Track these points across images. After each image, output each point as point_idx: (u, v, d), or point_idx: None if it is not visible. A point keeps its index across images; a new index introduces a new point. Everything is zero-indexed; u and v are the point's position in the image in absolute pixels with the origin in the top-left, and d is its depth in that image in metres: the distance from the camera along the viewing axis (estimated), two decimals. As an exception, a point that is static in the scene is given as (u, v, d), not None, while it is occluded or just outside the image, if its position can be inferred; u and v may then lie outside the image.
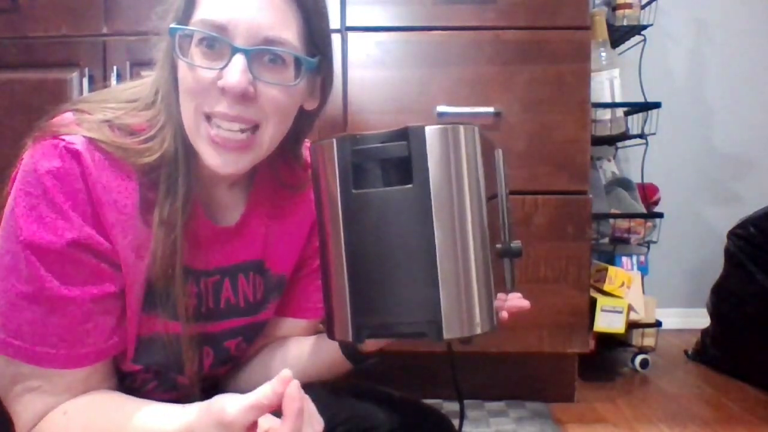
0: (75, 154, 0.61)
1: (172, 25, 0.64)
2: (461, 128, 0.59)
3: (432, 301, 0.56)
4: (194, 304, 0.71)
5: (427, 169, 0.56)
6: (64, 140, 0.61)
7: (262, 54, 0.63)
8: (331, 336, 0.62)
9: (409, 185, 0.57)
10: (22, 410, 0.63)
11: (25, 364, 0.61)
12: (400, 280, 0.57)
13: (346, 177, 0.58)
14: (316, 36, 0.67)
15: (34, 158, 0.61)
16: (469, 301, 0.58)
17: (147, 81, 0.70)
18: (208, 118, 0.63)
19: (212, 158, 0.65)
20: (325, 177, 0.60)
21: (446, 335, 0.57)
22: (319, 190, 0.61)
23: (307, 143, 0.83)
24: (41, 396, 0.62)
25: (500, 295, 0.67)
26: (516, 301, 0.71)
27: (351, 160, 0.58)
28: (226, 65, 0.61)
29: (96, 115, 0.64)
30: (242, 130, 0.64)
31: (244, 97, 0.62)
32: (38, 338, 0.60)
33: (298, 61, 0.65)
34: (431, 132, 0.57)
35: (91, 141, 0.62)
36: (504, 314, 0.69)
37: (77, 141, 0.61)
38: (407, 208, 0.57)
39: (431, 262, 0.56)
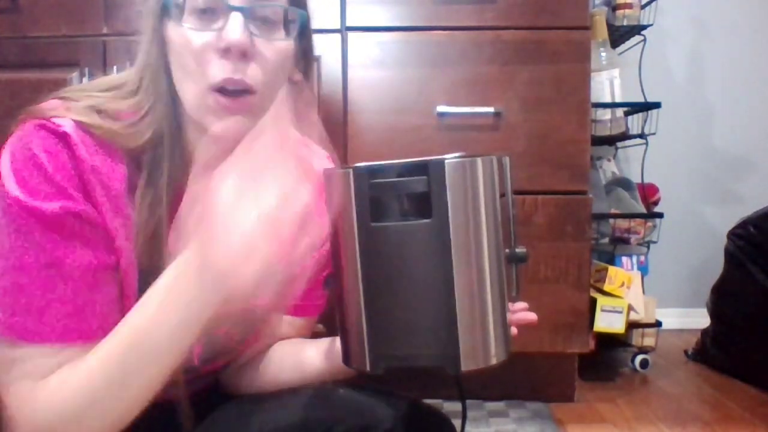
0: (63, 136, 0.61)
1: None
2: (479, 161, 0.58)
3: (449, 334, 0.57)
4: None
5: (446, 204, 0.56)
6: (52, 123, 0.61)
7: (255, 12, 0.64)
8: (347, 364, 0.63)
9: (428, 219, 0.57)
10: (17, 398, 0.59)
11: (21, 344, 0.58)
12: (418, 313, 0.57)
13: (364, 210, 0.57)
14: None
15: (23, 137, 0.60)
16: (485, 333, 0.59)
17: (130, 71, 0.70)
18: (213, 90, 0.64)
19: (221, 126, 0.64)
20: (341, 207, 0.59)
21: (464, 368, 0.57)
22: (335, 219, 0.61)
23: (306, 142, 0.83)
24: (36, 380, 0.59)
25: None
26: (523, 314, 0.73)
27: (368, 193, 0.57)
28: (224, 25, 0.62)
29: (82, 102, 0.64)
30: (242, 91, 0.64)
31: (245, 55, 0.63)
32: (34, 310, 0.58)
33: (286, 20, 0.67)
34: (450, 166, 0.57)
35: (79, 124, 0.62)
36: (514, 330, 0.70)
37: (65, 123, 0.61)
38: (426, 242, 0.57)
39: (449, 296, 0.57)
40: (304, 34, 0.71)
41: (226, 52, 0.62)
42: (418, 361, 0.58)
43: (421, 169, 0.57)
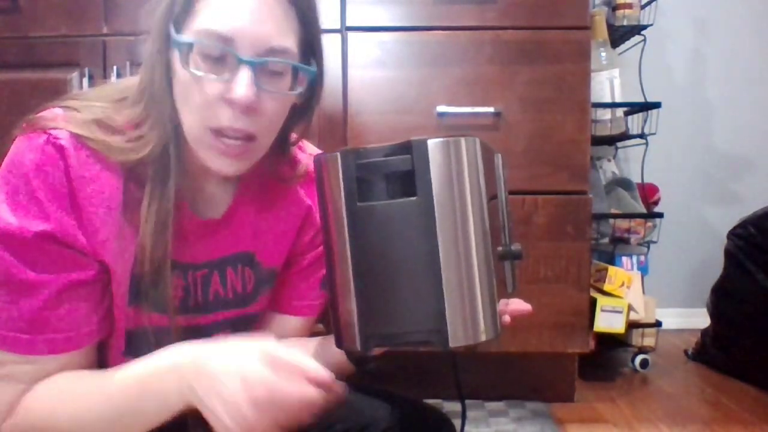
0: (60, 149, 0.61)
1: (176, 36, 0.64)
2: (462, 141, 0.60)
3: (437, 310, 0.58)
4: (181, 297, 0.72)
5: (430, 182, 0.58)
6: (50, 134, 0.62)
7: (265, 65, 0.64)
8: (339, 345, 0.63)
9: (413, 197, 0.58)
10: None
11: None
12: (406, 290, 0.58)
13: (351, 190, 0.59)
14: (314, 41, 0.70)
15: (20, 150, 0.62)
16: (473, 309, 0.59)
17: (134, 79, 0.70)
18: (213, 131, 0.65)
19: (216, 164, 0.67)
20: (330, 190, 0.61)
21: (452, 344, 0.58)
22: (324, 202, 0.62)
23: (302, 144, 0.84)
24: (11, 383, 0.63)
25: (502, 300, 0.68)
26: (518, 305, 0.72)
27: (355, 174, 0.59)
28: (232, 77, 0.62)
29: (83, 113, 0.65)
30: (244, 139, 0.66)
31: (249, 109, 0.63)
32: (7, 323, 0.61)
33: (295, 70, 0.68)
34: (434, 145, 0.58)
35: (77, 137, 0.62)
36: (506, 318, 0.70)
37: (63, 136, 0.62)
38: (411, 220, 0.58)
39: (436, 273, 0.58)
40: (313, 84, 0.72)
41: (230, 103, 0.63)
42: (408, 338, 0.59)
43: (405, 149, 0.58)
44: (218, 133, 0.64)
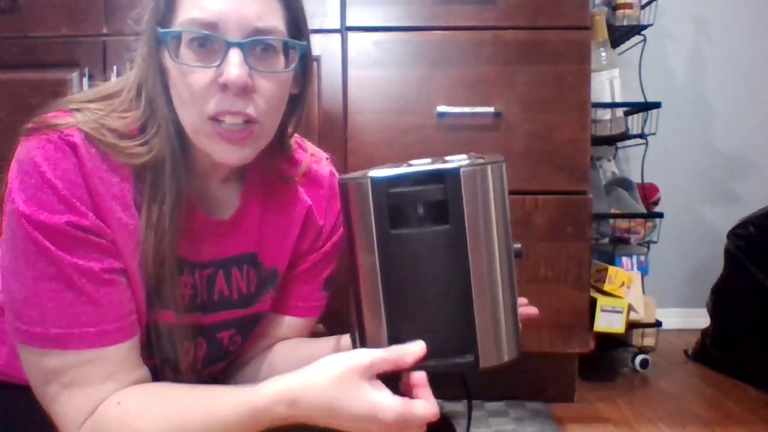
0: (72, 146, 0.61)
1: (161, 30, 0.64)
2: (489, 168, 0.61)
3: (468, 335, 0.59)
4: (190, 295, 0.72)
5: (463, 211, 0.58)
6: (62, 132, 0.61)
7: (254, 45, 0.64)
8: None
9: (446, 225, 0.58)
10: (66, 411, 0.61)
11: (53, 352, 0.60)
12: (437, 315, 0.60)
13: (383, 218, 0.59)
14: (299, 19, 0.69)
15: (31, 149, 0.61)
16: (500, 332, 0.61)
17: (127, 81, 0.69)
18: (213, 118, 0.64)
19: (220, 152, 0.66)
20: (359, 215, 0.61)
21: (482, 366, 0.60)
22: (350, 226, 0.62)
23: (302, 143, 0.84)
24: (80, 389, 0.61)
25: None
26: (525, 308, 0.73)
27: (387, 203, 0.59)
28: (222, 62, 0.62)
29: (86, 115, 0.64)
30: (245, 122, 0.65)
31: (245, 90, 0.63)
32: (61, 319, 0.60)
33: (286, 48, 0.67)
34: (465, 174, 0.58)
35: (87, 135, 0.62)
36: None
37: (74, 133, 0.62)
38: (444, 247, 0.59)
39: (467, 299, 0.59)
40: (305, 58, 0.71)
41: (224, 87, 0.63)
42: (440, 362, 0.60)
43: (436, 177, 0.58)
44: (217, 120, 0.64)
